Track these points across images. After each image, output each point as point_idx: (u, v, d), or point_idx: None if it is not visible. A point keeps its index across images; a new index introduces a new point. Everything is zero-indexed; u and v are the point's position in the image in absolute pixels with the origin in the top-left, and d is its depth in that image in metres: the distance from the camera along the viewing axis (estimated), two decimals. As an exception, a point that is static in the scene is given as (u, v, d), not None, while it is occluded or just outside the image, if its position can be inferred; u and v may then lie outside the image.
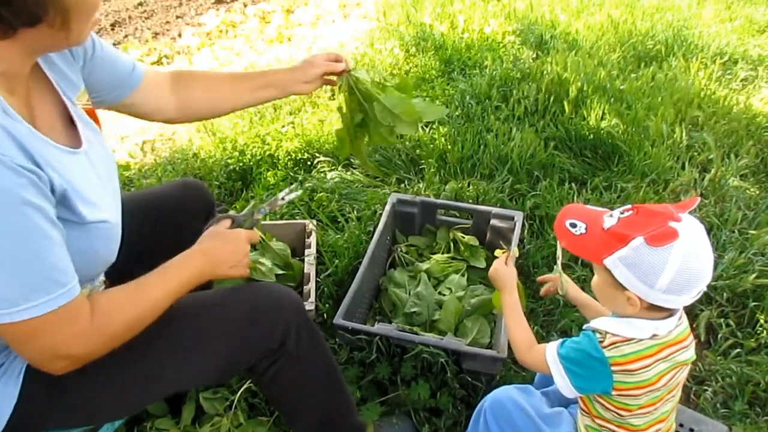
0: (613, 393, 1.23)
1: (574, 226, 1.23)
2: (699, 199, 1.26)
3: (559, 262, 1.50)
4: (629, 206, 1.20)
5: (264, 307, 1.35)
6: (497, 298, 1.55)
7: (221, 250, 1.34)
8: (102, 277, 1.39)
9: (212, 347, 1.31)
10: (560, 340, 1.30)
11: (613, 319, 1.26)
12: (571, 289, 1.54)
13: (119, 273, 1.30)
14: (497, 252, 1.59)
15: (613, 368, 1.20)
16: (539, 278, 1.64)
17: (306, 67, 1.65)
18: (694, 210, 1.12)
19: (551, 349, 1.29)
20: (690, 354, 1.26)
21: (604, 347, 1.21)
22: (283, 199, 1.61)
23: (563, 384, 1.26)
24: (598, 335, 1.24)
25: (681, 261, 1.10)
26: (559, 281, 1.53)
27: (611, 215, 1.21)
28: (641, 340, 1.20)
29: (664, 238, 1.09)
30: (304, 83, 1.65)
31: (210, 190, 2.90)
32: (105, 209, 1.15)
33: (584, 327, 1.31)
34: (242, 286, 1.46)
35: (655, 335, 1.20)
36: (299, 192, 1.69)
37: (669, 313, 1.22)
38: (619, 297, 1.20)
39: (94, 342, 1.11)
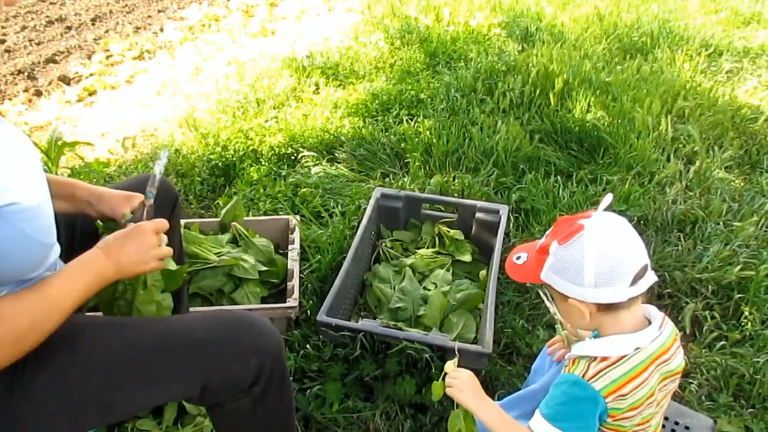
0: (609, 420, 1.19)
1: (518, 258, 1.28)
2: (611, 195, 1.27)
3: (557, 318, 1.44)
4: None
5: (245, 346, 1.28)
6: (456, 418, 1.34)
7: (125, 248, 1.27)
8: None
9: (183, 381, 1.25)
10: (537, 411, 1.21)
11: (594, 341, 1.23)
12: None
13: None
14: (447, 366, 1.39)
15: (606, 399, 1.15)
16: (548, 344, 1.53)
17: (104, 200, 1.49)
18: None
19: (538, 422, 1.18)
20: (678, 362, 1.23)
21: (590, 378, 1.16)
22: (160, 173, 1.53)
23: None
24: (581, 366, 1.19)
25: (596, 250, 1.11)
26: (565, 339, 1.46)
27: (544, 237, 1.24)
28: (628, 358, 1.16)
29: (571, 234, 1.13)
30: (95, 211, 1.49)
31: (192, 186, 2.89)
32: (15, 190, 1.07)
33: (566, 356, 1.26)
34: (229, 315, 1.38)
35: (638, 348, 1.17)
36: (167, 153, 1.59)
37: (641, 319, 1.19)
38: (571, 309, 1.18)
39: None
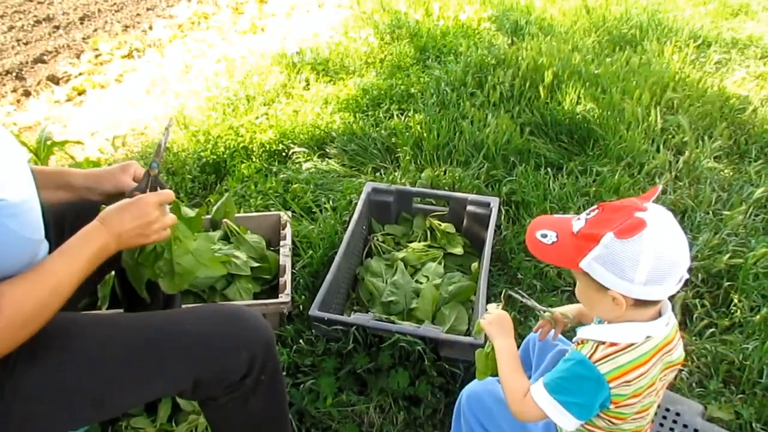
0: (611, 406, 1.19)
1: (545, 236, 1.21)
2: (661, 187, 1.23)
3: (540, 308, 1.45)
4: (594, 207, 1.18)
5: (235, 339, 1.29)
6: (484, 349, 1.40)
7: (124, 220, 1.24)
8: None
9: (174, 376, 1.26)
10: (540, 379, 1.23)
11: (605, 326, 1.21)
12: (572, 313, 1.47)
13: None
14: (489, 307, 1.46)
15: (611, 384, 1.15)
16: (534, 330, 1.53)
17: (104, 180, 1.48)
18: (660, 196, 1.09)
19: (538, 390, 1.20)
20: (679, 353, 1.23)
21: (597, 362, 1.15)
22: (165, 142, 1.52)
23: (565, 420, 1.18)
24: (588, 347, 1.19)
25: (654, 249, 1.07)
26: (551, 323, 1.47)
27: (579, 218, 1.18)
28: (637, 346, 1.16)
29: (633, 228, 1.07)
30: (98, 194, 1.48)
31: (183, 183, 2.88)
32: (0, 187, 1.06)
33: (573, 339, 1.26)
34: (219, 309, 1.39)
35: (649, 337, 1.17)
36: (172, 124, 1.58)
37: (657, 311, 1.19)
38: (603, 300, 1.15)
39: (5, 334, 1.05)
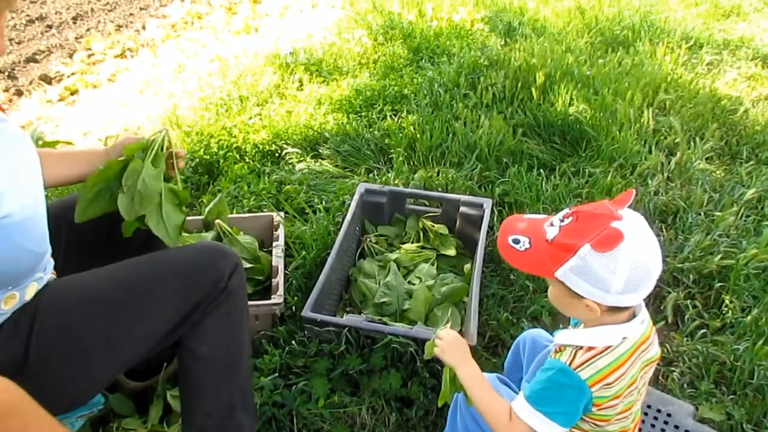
0: (594, 409, 1.20)
1: (517, 242, 1.18)
2: (634, 191, 1.22)
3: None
4: (568, 212, 1.16)
5: (210, 255, 1.46)
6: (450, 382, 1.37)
7: None
8: (51, 271, 1.34)
9: (173, 297, 1.36)
10: (520, 393, 1.23)
11: (581, 330, 1.22)
12: None
13: (76, 268, 1.28)
14: (437, 331, 1.43)
15: (592, 388, 1.16)
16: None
17: (111, 152, 1.57)
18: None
19: (521, 404, 1.20)
20: (655, 350, 1.25)
21: (577, 368, 1.17)
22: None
23: (551, 431, 1.17)
24: (567, 353, 1.19)
25: (631, 260, 1.07)
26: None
27: (552, 224, 1.16)
28: (614, 348, 1.17)
29: (611, 241, 1.06)
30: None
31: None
32: (8, 201, 1.06)
33: (551, 345, 1.27)
34: (193, 243, 1.57)
35: (625, 338, 1.18)
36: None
37: (631, 312, 1.20)
38: (577, 305, 1.16)
39: None
